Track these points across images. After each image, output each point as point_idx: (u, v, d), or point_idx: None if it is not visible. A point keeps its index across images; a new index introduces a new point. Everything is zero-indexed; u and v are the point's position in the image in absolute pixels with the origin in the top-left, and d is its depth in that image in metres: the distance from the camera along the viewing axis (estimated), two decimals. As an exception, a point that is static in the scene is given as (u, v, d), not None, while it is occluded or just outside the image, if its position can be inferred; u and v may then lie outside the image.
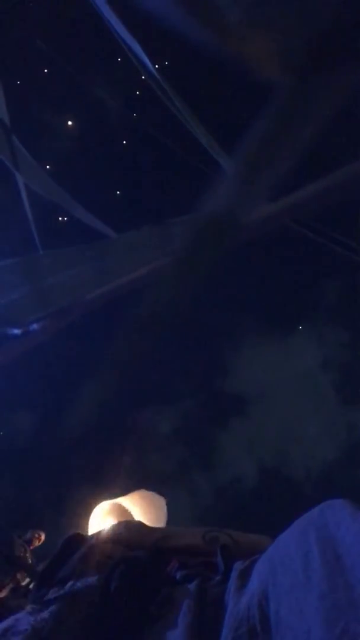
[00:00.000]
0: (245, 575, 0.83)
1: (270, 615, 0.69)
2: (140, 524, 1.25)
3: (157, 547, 1.18)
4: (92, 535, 1.22)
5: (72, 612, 0.85)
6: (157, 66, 1.68)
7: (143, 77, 1.73)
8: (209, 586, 0.90)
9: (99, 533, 1.26)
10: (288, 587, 0.68)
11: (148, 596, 0.90)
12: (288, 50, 0.50)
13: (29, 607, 0.93)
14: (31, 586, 1.22)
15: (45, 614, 0.84)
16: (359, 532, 0.64)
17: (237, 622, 0.74)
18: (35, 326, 0.99)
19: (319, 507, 0.76)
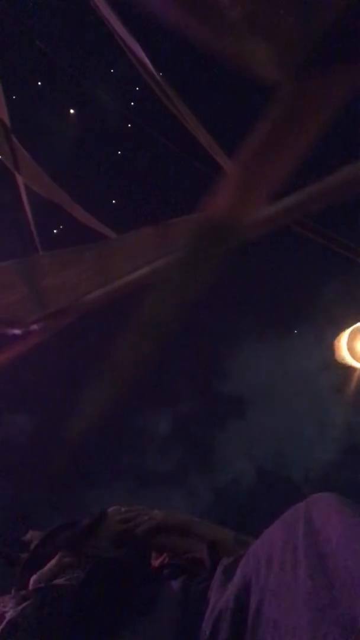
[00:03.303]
0: (229, 571, 0.83)
1: (249, 609, 0.69)
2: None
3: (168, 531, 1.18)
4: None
5: (52, 609, 0.84)
6: (157, 66, 1.68)
7: (143, 77, 1.73)
8: (193, 583, 0.90)
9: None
10: (274, 583, 0.67)
11: (126, 597, 0.90)
12: (289, 51, 0.50)
13: (13, 593, 0.92)
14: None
15: (27, 608, 0.83)
16: (343, 532, 0.64)
17: (215, 616, 0.74)
18: (35, 326, 0.99)
19: (306, 502, 0.75)
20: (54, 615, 0.82)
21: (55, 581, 0.98)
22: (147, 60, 1.65)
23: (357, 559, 0.58)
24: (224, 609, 0.73)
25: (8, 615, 0.82)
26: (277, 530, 0.76)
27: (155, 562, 1.20)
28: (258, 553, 0.77)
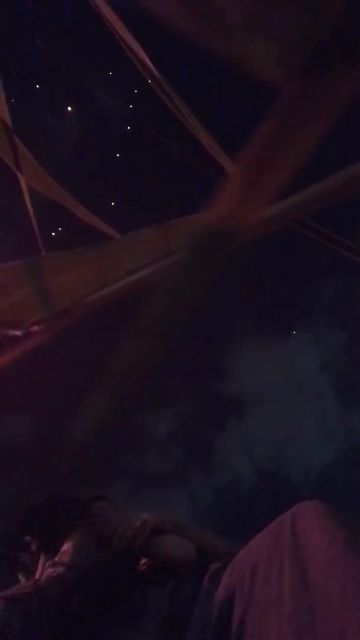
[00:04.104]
0: (215, 579, 0.83)
1: (233, 621, 0.69)
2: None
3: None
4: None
5: (37, 617, 0.84)
6: (158, 67, 1.68)
7: (144, 78, 1.73)
8: (180, 589, 0.90)
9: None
10: (258, 596, 0.67)
11: (111, 606, 0.90)
12: (291, 51, 0.50)
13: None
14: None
15: (13, 615, 0.83)
16: (326, 549, 0.63)
17: (201, 626, 0.74)
18: (36, 327, 0.98)
19: (292, 513, 0.75)
20: (38, 623, 0.83)
21: (42, 585, 0.98)
22: (148, 61, 1.65)
23: (336, 578, 0.59)
24: (209, 619, 0.73)
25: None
26: (263, 541, 0.76)
27: (145, 565, 1.19)
28: (242, 564, 0.76)
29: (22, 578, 1.24)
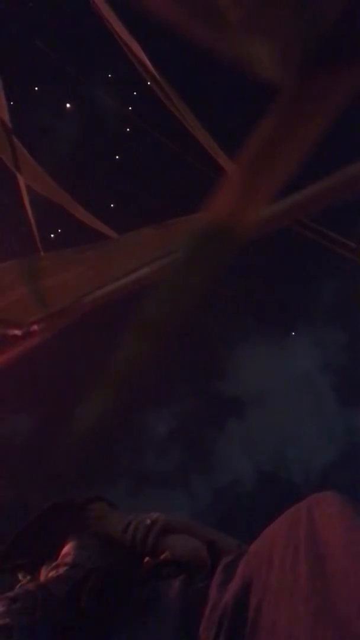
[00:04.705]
0: (229, 570, 0.82)
1: (249, 608, 0.69)
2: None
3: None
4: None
5: (42, 615, 0.84)
6: (157, 66, 1.68)
7: (143, 78, 1.73)
8: (193, 582, 0.90)
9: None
10: (274, 583, 0.67)
11: (118, 603, 0.89)
12: (290, 50, 0.50)
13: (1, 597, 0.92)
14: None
15: (17, 614, 0.83)
16: (343, 535, 0.63)
17: (216, 615, 0.73)
18: (35, 327, 0.98)
19: (308, 501, 0.75)
20: (43, 622, 0.82)
21: (45, 585, 0.98)
22: (147, 61, 1.65)
23: (354, 563, 0.58)
24: (225, 608, 0.73)
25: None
26: (279, 529, 0.76)
27: (155, 561, 1.19)
28: (259, 552, 0.76)
29: (22, 578, 1.23)
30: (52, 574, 1.07)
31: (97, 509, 1.29)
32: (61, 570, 1.05)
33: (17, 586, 1.08)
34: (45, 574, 1.12)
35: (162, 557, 1.14)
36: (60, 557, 1.15)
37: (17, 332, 1.04)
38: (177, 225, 0.92)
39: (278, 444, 9.65)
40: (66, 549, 1.17)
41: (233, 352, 9.74)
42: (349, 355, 9.60)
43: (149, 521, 1.19)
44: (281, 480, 9.45)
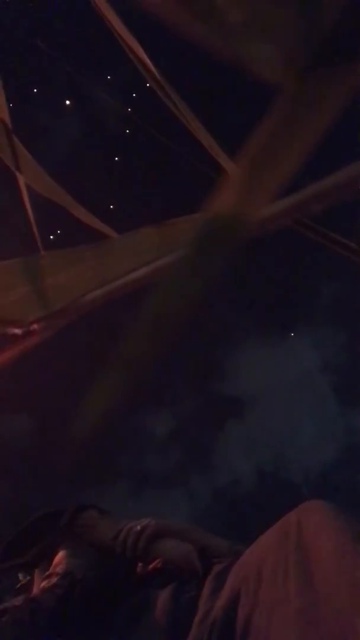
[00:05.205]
0: (219, 579, 0.82)
1: (237, 621, 0.68)
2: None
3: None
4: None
5: (33, 618, 0.84)
6: (158, 66, 1.68)
7: (144, 78, 1.73)
8: (184, 591, 0.90)
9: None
10: (264, 596, 0.67)
11: (108, 612, 0.89)
12: (291, 50, 0.50)
13: None
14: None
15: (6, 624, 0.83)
16: (332, 548, 0.63)
17: (205, 627, 0.73)
18: (35, 326, 0.98)
19: (297, 512, 0.75)
20: (32, 634, 0.82)
21: (36, 597, 0.98)
22: (147, 60, 1.65)
23: (343, 575, 0.58)
24: (214, 620, 0.73)
25: None
26: (267, 542, 0.76)
27: (145, 568, 1.19)
28: (248, 564, 0.76)
29: (22, 578, 1.24)
30: (44, 584, 1.07)
31: (88, 517, 1.29)
32: (53, 580, 1.06)
33: (8, 602, 1.08)
34: (38, 583, 1.13)
35: (152, 565, 1.14)
36: (52, 566, 1.15)
37: (17, 331, 1.04)
38: (177, 225, 0.92)
39: (278, 444, 9.65)
40: (58, 558, 1.18)
41: (233, 353, 9.74)
42: (348, 356, 9.60)
43: (139, 527, 1.19)
44: (281, 480, 9.46)
